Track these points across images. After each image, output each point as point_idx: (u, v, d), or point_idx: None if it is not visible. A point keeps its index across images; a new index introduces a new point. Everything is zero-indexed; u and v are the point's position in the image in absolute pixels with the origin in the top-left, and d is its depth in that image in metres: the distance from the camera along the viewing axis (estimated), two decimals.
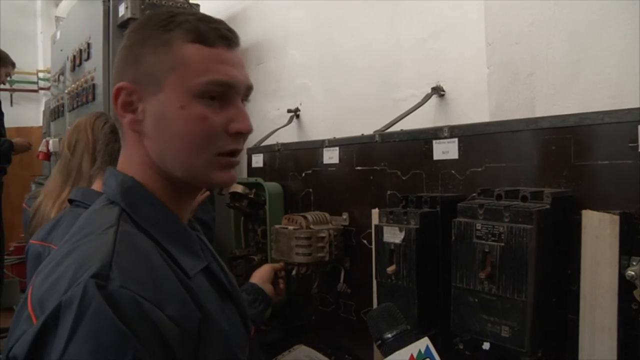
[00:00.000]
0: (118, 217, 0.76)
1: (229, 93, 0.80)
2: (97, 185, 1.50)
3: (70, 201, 1.51)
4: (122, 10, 2.52)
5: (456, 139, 1.34)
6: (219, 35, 0.80)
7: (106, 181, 0.85)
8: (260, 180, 1.98)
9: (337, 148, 1.73)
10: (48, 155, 3.55)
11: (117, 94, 0.80)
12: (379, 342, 0.94)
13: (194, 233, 0.87)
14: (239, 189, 1.97)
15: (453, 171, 1.35)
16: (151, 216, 0.79)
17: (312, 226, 1.63)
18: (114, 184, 0.82)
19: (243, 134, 0.82)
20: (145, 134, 0.80)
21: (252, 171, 2.19)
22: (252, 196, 1.98)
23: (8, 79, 4.13)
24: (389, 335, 0.93)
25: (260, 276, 1.58)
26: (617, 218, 1.00)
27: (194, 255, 0.82)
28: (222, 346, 0.78)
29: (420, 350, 0.91)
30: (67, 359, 0.60)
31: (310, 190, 1.87)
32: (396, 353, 0.91)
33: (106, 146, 1.46)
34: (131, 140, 0.83)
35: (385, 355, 0.92)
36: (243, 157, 2.26)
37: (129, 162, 0.84)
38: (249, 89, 0.84)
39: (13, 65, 4.05)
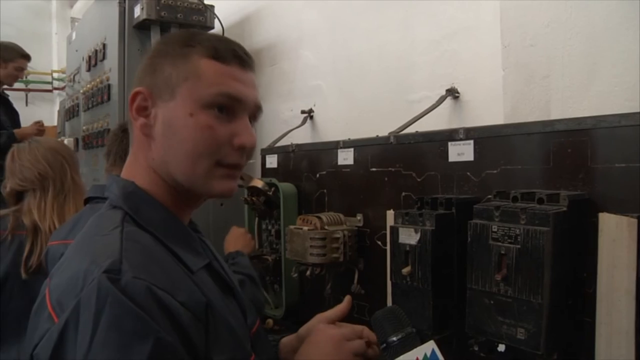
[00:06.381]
0: (122, 219, 0.80)
1: (237, 108, 0.84)
2: None
3: (87, 200, 1.56)
4: (137, 11, 2.55)
5: (472, 141, 1.34)
6: (234, 54, 0.84)
7: (109, 187, 0.89)
8: (274, 180, 1.99)
9: (352, 149, 1.74)
10: None
11: (133, 98, 0.84)
12: (384, 345, 0.93)
13: (194, 233, 0.91)
14: (259, 184, 1.96)
15: (468, 173, 1.35)
16: (153, 217, 0.83)
17: (326, 227, 1.64)
18: (116, 189, 0.86)
19: (246, 149, 0.84)
20: (153, 138, 0.84)
21: (266, 172, 2.19)
22: (270, 193, 1.98)
23: (25, 75, 3.80)
24: (394, 339, 0.92)
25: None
26: (634, 221, 0.99)
27: (195, 253, 0.86)
28: (229, 335, 0.82)
29: (425, 354, 0.89)
30: (95, 351, 0.63)
31: (325, 191, 1.87)
32: (401, 357, 0.89)
33: (119, 144, 1.58)
34: (139, 143, 0.86)
35: (391, 359, 0.91)
36: (257, 158, 2.27)
37: (134, 165, 0.88)
38: (257, 108, 0.88)
39: (25, 57, 3.66)
